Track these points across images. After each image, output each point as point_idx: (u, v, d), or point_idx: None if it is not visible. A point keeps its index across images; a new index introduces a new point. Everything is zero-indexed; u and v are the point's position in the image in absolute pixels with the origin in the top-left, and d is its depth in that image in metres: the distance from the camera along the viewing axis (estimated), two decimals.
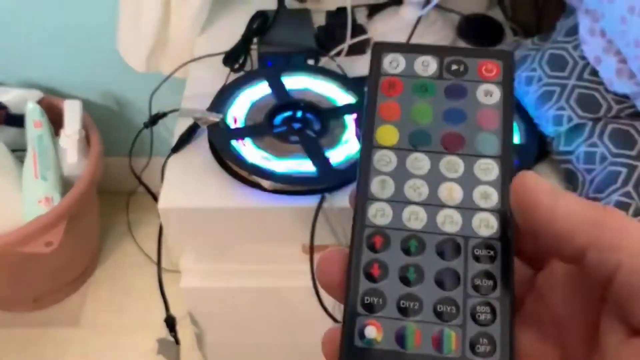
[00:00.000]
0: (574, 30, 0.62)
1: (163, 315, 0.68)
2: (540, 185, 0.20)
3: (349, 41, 0.72)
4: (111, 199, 1.21)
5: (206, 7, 0.80)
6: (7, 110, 1.09)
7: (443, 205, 0.22)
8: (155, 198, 0.64)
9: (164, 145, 0.67)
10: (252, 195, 0.56)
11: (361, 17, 0.78)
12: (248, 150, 0.58)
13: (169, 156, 0.61)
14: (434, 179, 0.22)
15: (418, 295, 0.20)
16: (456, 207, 0.21)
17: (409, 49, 0.24)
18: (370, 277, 0.21)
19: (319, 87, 0.66)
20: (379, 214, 0.22)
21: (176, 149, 0.62)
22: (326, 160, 0.58)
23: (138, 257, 1.20)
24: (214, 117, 0.60)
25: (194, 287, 0.67)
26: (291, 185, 0.56)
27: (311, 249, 0.58)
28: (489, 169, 0.22)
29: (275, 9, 0.77)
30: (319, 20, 0.77)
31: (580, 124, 0.58)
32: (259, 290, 0.67)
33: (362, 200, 0.22)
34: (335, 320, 0.64)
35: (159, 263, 0.64)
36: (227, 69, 0.70)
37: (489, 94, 0.23)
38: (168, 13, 0.81)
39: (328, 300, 0.63)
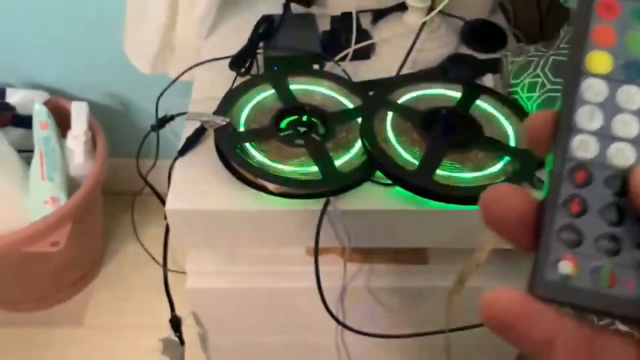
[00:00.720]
0: None
1: (167, 315, 0.69)
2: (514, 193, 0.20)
3: (353, 46, 0.73)
4: (116, 200, 1.22)
5: (213, 11, 0.80)
6: (14, 111, 1.10)
7: None
8: (160, 199, 0.65)
9: (170, 147, 0.68)
10: (258, 198, 0.57)
11: (366, 22, 0.79)
12: (254, 153, 0.59)
13: (176, 159, 0.62)
14: None
15: (618, 235, 0.20)
16: None
17: None
18: (569, 212, 0.20)
19: (324, 91, 0.66)
20: (584, 147, 0.20)
21: (183, 151, 0.62)
22: (331, 163, 0.58)
23: (142, 257, 1.21)
24: (221, 121, 0.61)
25: (199, 288, 0.67)
26: (296, 189, 0.57)
27: (316, 252, 0.59)
28: None
29: (281, 13, 0.78)
30: (324, 25, 0.78)
31: None
32: (264, 291, 0.68)
33: (565, 130, 0.21)
34: (338, 321, 0.65)
35: (164, 264, 0.64)
36: (234, 73, 0.71)
37: None
38: (175, 16, 0.82)
39: (332, 301, 0.64)
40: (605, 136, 0.20)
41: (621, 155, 0.20)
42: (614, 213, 0.20)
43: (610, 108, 0.21)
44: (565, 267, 0.20)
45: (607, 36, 0.21)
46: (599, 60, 0.21)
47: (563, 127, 0.21)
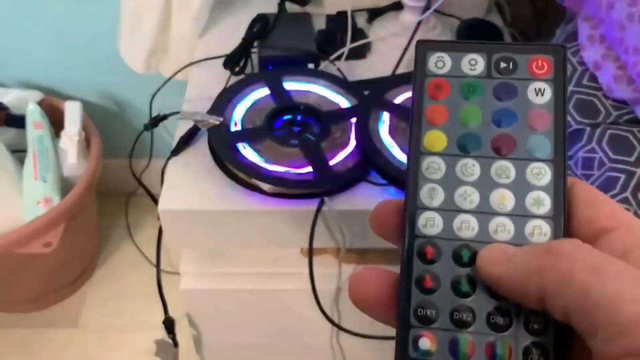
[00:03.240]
0: (573, 37, 0.63)
1: (161, 316, 0.68)
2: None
3: (349, 45, 0.73)
4: (110, 200, 1.21)
5: (207, 9, 0.80)
6: (7, 111, 1.09)
7: (495, 213, 0.21)
8: (154, 200, 0.64)
9: (164, 147, 0.67)
10: (252, 198, 0.57)
11: (361, 21, 0.78)
12: (248, 153, 0.58)
13: (169, 158, 0.61)
14: (485, 185, 0.21)
15: (471, 306, 0.20)
16: (508, 215, 0.21)
17: (455, 47, 0.23)
18: (422, 289, 0.21)
19: (319, 90, 0.66)
20: (429, 224, 0.21)
21: (176, 151, 0.62)
22: (325, 163, 0.58)
23: (136, 258, 1.20)
24: (214, 120, 0.60)
25: (193, 289, 0.67)
26: (290, 189, 0.56)
27: (310, 252, 0.59)
28: (541, 173, 0.21)
29: (275, 12, 0.77)
30: (320, 24, 0.77)
31: (579, 129, 0.59)
32: (258, 292, 0.68)
33: (411, 209, 0.21)
34: (332, 322, 0.64)
35: (158, 265, 0.64)
36: (228, 72, 0.70)
37: (540, 93, 0.22)
38: (169, 15, 0.81)
39: (326, 303, 0.64)
40: (449, 210, 0.21)
41: (466, 227, 0.21)
42: (465, 284, 0.20)
43: (451, 183, 0.21)
44: (424, 343, 0.20)
45: (439, 114, 0.22)
46: (435, 139, 0.22)
47: (409, 206, 0.22)
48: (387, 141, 0.59)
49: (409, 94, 0.65)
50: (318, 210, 0.56)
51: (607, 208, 0.20)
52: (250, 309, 0.70)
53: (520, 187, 0.21)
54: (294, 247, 0.65)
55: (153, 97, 0.72)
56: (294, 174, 0.57)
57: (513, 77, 0.22)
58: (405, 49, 0.69)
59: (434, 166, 0.22)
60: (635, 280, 0.17)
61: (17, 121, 1.09)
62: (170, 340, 0.70)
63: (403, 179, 0.55)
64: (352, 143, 0.60)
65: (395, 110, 0.62)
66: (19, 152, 1.06)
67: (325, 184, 0.57)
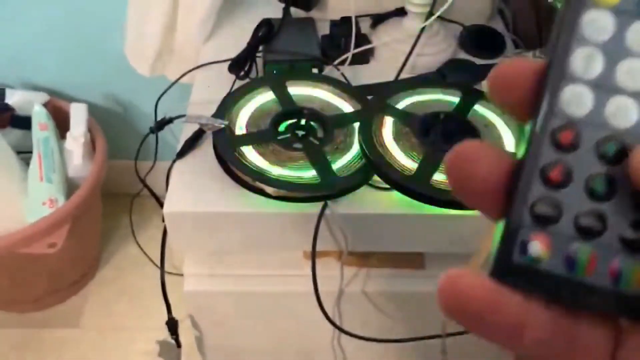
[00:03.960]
0: None
1: (164, 317, 0.69)
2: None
3: (352, 50, 0.73)
4: (114, 201, 1.21)
5: (213, 14, 0.81)
6: (13, 112, 1.10)
7: None
8: (158, 201, 0.65)
9: (169, 149, 0.68)
10: (256, 201, 0.57)
11: (365, 26, 0.79)
12: (252, 156, 0.59)
13: (174, 161, 0.62)
14: None
15: (604, 213, 0.16)
16: None
17: None
18: (547, 181, 0.16)
19: (323, 95, 0.66)
20: (576, 101, 0.16)
21: (181, 154, 0.62)
22: (329, 167, 0.58)
23: (140, 259, 1.21)
24: (219, 124, 0.61)
25: (196, 291, 0.67)
26: (294, 192, 0.57)
27: (313, 256, 0.59)
28: None
29: (280, 17, 0.78)
30: (324, 29, 0.78)
31: None
32: (261, 294, 0.68)
33: (554, 77, 0.17)
34: (334, 325, 0.65)
35: (162, 266, 0.64)
36: (233, 76, 0.71)
37: None
38: (175, 19, 0.82)
39: (329, 305, 0.64)
40: (605, 87, 0.16)
41: (621, 114, 0.16)
42: (602, 185, 0.16)
43: (616, 50, 0.16)
44: (536, 247, 0.16)
45: None
46: None
47: (552, 72, 0.17)
48: (390, 146, 0.60)
49: (412, 98, 0.66)
50: (321, 214, 0.57)
51: None
52: (253, 311, 0.71)
53: None
54: (297, 250, 0.65)
55: (158, 100, 0.73)
56: (297, 178, 0.57)
57: None
58: (409, 55, 0.70)
59: (599, 23, 0.16)
60: None
61: (23, 122, 1.10)
62: (173, 341, 0.71)
63: (406, 184, 0.56)
64: (356, 147, 0.61)
65: (398, 115, 0.63)
66: (24, 153, 1.07)
67: (329, 188, 0.57)
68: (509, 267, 0.16)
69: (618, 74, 0.16)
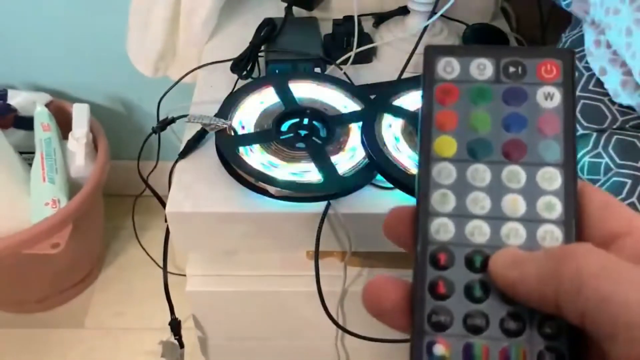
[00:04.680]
0: (579, 42, 0.63)
1: (167, 318, 0.69)
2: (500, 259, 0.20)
3: (355, 49, 0.73)
4: (117, 202, 1.21)
5: (215, 14, 0.80)
6: (16, 113, 1.10)
7: (507, 218, 0.21)
8: (161, 202, 0.65)
9: (171, 149, 0.68)
10: (259, 201, 0.57)
11: (367, 25, 0.79)
12: (255, 156, 0.59)
13: (176, 161, 0.62)
14: (496, 190, 0.21)
15: (484, 311, 0.20)
16: (520, 220, 0.21)
17: (464, 52, 0.23)
18: (436, 295, 0.21)
19: (325, 94, 0.66)
20: (442, 230, 0.21)
21: (184, 154, 0.62)
22: (332, 167, 0.58)
23: (143, 260, 1.21)
24: (222, 123, 0.61)
25: (199, 291, 0.67)
26: (297, 192, 0.57)
27: (316, 256, 0.59)
28: (552, 177, 0.21)
29: (282, 17, 0.78)
30: (326, 28, 0.78)
31: (585, 134, 0.59)
32: (263, 294, 0.68)
33: (423, 216, 0.21)
34: (337, 325, 0.64)
35: (164, 267, 0.64)
36: (235, 76, 0.71)
37: (550, 97, 0.22)
38: (177, 19, 0.82)
39: (332, 305, 0.64)
40: (461, 216, 0.21)
41: (478, 232, 0.21)
42: (478, 290, 0.21)
43: (462, 188, 0.21)
44: (439, 350, 0.20)
45: (449, 120, 0.22)
46: (445, 144, 0.22)
47: (421, 212, 0.21)
48: (393, 145, 0.59)
49: (415, 97, 0.65)
50: (324, 214, 0.56)
51: (620, 212, 0.20)
52: (256, 311, 0.71)
53: (531, 192, 0.21)
54: (300, 250, 0.65)
55: (161, 100, 0.73)
56: (300, 177, 0.57)
57: (522, 82, 0.22)
58: (412, 54, 0.70)
59: (445, 172, 0.22)
60: None
61: (26, 123, 1.10)
62: (176, 342, 0.71)
63: (409, 183, 0.56)
64: (359, 147, 0.60)
65: (401, 114, 0.63)
66: (27, 154, 1.07)
67: (332, 188, 0.57)
68: None
69: (467, 204, 0.21)
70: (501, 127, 0.22)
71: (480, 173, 0.21)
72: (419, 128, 0.22)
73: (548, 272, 0.18)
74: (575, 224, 0.21)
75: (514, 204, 0.21)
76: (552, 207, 0.21)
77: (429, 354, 0.20)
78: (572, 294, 0.18)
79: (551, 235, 0.21)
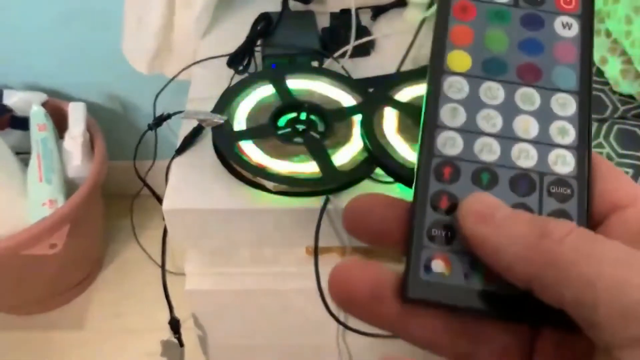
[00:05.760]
0: None
1: (167, 317, 0.68)
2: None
3: (353, 43, 0.72)
4: (115, 201, 1.21)
5: (210, 9, 0.80)
6: (11, 113, 1.10)
7: (518, 139, 0.21)
8: (159, 200, 0.64)
9: (168, 147, 0.67)
10: (257, 197, 0.56)
11: (365, 18, 0.78)
12: (252, 151, 0.58)
13: (173, 158, 0.61)
14: (509, 110, 0.21)
15: None
16: (532, 142, 0.20)
17: None
18: (437, 209, 0.20)
19: (323, 88, 0.65)
20: (449, 144, 0.21)
21: (180, 150, 0.62)
22: (330, 161, 0.57)
23: (142, 259, 1.20)
24: (218, 119, 0.60)
25: (198, 290, 0.67)
26: (295, 187, 0.56)
27: (315, 251, 0.58)
28: (566, 104, 0.21)
29: (279, 11, 0.77)
30: (323, 22, 0.77)
31: None
32: (263, 292, 0.67)
33: (430, 128, 0.21)
34: (338, 321, 0.64)
35: (163, 265, 0.64)
36: (231, 71, 0.70)
37: (567, 27, 0.22)
38: (172, 15, 0.81)
39: (332, 302, 0.63)
40: (470, 132, 0.21)
41: (487, 150, 0.21)
42: None
43: (474, 104, 0.21)
44: (437, 266, 0.19)
45: (465, 35, 0.22)
46: (458, 59, 0.21)
47: (428, 125, 0.21)
48: (392, 138, 0.59)
49: (413, 90, 0.65)
50: (323, 209, 0.56)
51: (625, 184, 0.20)
52: (255, 309, 0.70)
53: (545, 116, 0.21)
54: (300, 246, 0.65)
55: (157, 97, 0.72)
56: (298, 172, 0.56)
57: (540, 9, 0.22)
58: (410, 46, 0.69)
59: (456, 86, 0.21)
60: (637, 264, 0.16)
61: (22, 123, 1.09)
62: (176, 341, 0.70)
63: (408, 176, 0.55)
64: (357, 140, 0.60)
65: (399, 107, 0.62)
66: (23, 154, 1.07)
67: (330, 182, 0.56)
68: (419, 286, 0.19)
69: (478, 120, 0.21)
70: (517, 49, 0.22)
71: (494, 91, 0.21)
72: (433, 41, 0.22)
73: (525, 246, 0.17)
74: (589, 152, 0.20)
75: (527, 125, 0.21)
76: (566, 132, 0.21)
77: (426, 270, 0.19)
78: (551, 279, 0.17)
79: (563, 159, 0.20)
